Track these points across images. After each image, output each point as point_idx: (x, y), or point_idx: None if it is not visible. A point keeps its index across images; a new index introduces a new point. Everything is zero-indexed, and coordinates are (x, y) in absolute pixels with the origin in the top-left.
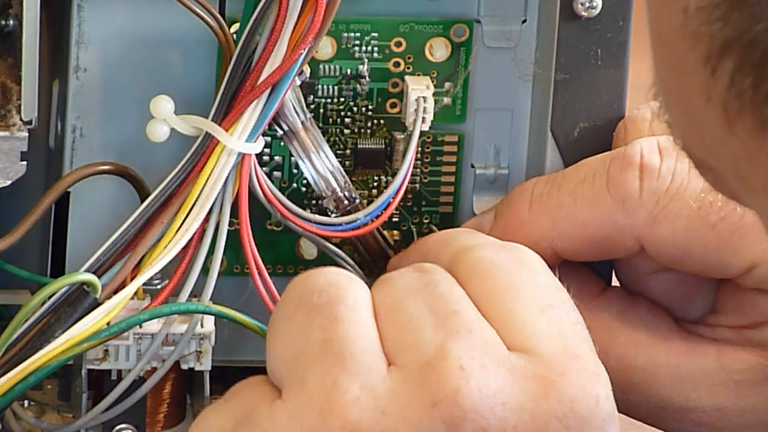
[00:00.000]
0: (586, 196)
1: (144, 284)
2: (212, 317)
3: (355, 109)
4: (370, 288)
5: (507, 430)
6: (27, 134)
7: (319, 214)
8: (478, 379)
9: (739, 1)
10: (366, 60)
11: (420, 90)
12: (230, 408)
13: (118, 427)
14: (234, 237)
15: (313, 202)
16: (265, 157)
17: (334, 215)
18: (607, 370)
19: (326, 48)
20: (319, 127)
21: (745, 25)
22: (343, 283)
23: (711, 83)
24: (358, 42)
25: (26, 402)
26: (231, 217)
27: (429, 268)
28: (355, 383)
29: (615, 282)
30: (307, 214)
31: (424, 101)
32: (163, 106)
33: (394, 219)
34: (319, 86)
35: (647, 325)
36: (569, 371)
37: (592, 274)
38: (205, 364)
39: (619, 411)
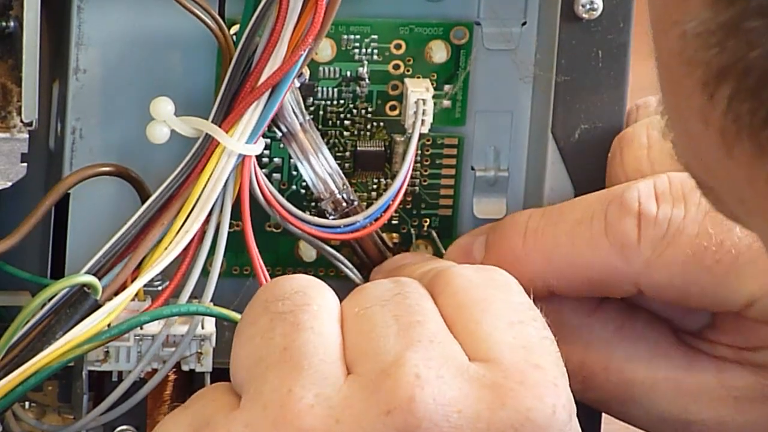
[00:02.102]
0: (584, 239)
1: (145, 286)
2: (213, 319)
3: (354, 111)
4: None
5: None
6: (27, 136)
7: (318, 216)
8: (433, 387)
9: (734, 29)
10: (366, 62)
11: (420, 92)
12: (189, 415)
13: (118, 429)
14: (233, 239)
15: (313, 204)
16: (265, 159)
17: (332, 217)
18: (608, 385)
19: (326, 50)
20: (319, 130)
21: (741, 52)
22: (310, 290)
23: (709, 108)
24: (357, 44)
25: (27, 403)
26: (231, 218)
27: (404, 280)
28: (310, 391)
29: None
30: (306, 216)
31: (424, 103)
32: (163, 107)
33: (394, 221)
34: (319, 88)
35: (646, 339)
36: (527, 380)
37: None
38: (206, 366)
39: (619, 419)
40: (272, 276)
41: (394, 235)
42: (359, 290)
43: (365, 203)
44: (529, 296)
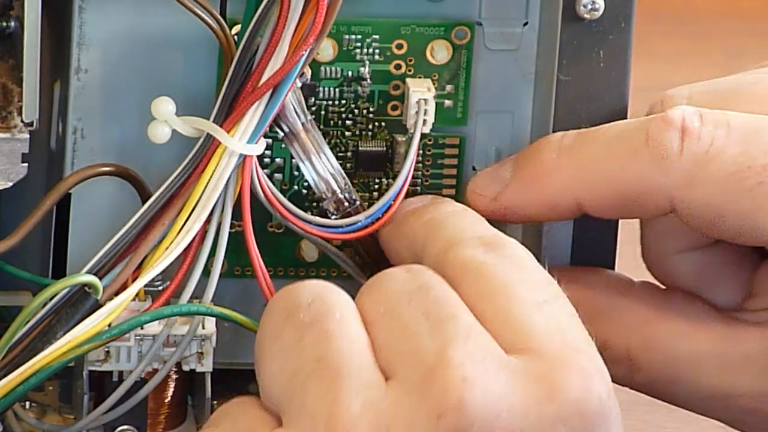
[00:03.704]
0: (622, 151)
1: (145, 285)
2: (213, 319)
3: (356, 111)
4: (353, 294)
5: None
6: (28, 136)
7: (320, 216)
8: (481, 386)
9: None
10: (367, 62)
11: (421, 92)
12: None
13: (119, 429)
14: (235, 239)
15: (314, 204)
16: (266, 159)
17: (334, 217)
18: (654, 366)
19: (327, 50)
20: (320, 130)
21: None
22: (327, 296)
23: None
24: (359, 44)
25: (27, 403)
26: (233, 219)
27: (418, 269)
28: (356, 399)
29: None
30: (308, 216)
31: (426, 103)
32: (165, 107)
33: None
34: (320, 88)
35: (686, 314)
36: (571, 370)
37: (616, 273)
38: (207, 366)
39: (666, 401)
40: (273, 276)
41: None
42: (375, 286)
43: (367, 203)
44: (557, 213)
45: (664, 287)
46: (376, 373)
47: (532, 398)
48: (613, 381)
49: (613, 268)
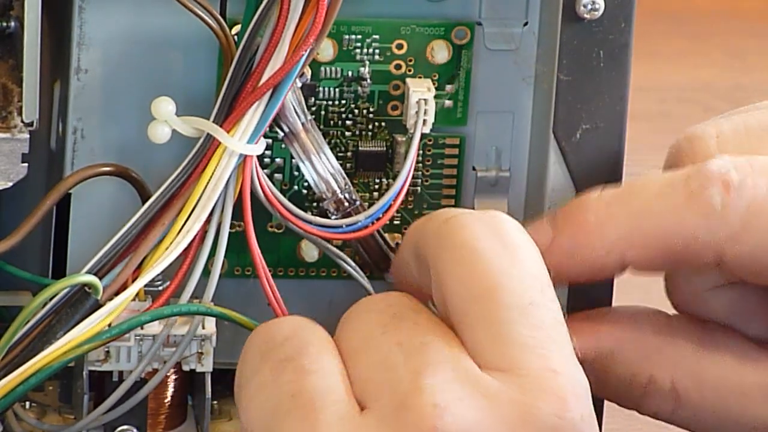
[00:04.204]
0: (666, 208)
1: (145, 285)
2: (213, 319)
3: (356, 111)
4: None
5: None
6: (28, 136)
7: (320, 216)
8: (453, 414)
9: None
10: (367, 62)
11: (421, 92)
12: None
13: (119, 429)
14: (235, 239)
15: (314, 204)
16: (266, 159)
17: (334, 217)
18: (703, 402)
19: (327, 50)
20: (320, 130)
21: None
22: (302, 332)
23: None
24: (359, 44)
25: (27, 403)
26: (233, 219)
27: (392, 296)
28: None
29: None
30: (308, 216)
31: (426, 104)
32: (165, 107)
33: (395, 221)
34: (320, 88)
35: (730, 348)
36: (547, 394)
37: (655, 309)
38: (207, 366)
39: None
40: (273, 276)
41: (396, 234)
42: (353, 316)
43: (367, 203)
44: (603, 272)
45: (703, 321)
46: (352, 405)
47: (506, 424)
48: (655, 417)
49: (612, 282)
